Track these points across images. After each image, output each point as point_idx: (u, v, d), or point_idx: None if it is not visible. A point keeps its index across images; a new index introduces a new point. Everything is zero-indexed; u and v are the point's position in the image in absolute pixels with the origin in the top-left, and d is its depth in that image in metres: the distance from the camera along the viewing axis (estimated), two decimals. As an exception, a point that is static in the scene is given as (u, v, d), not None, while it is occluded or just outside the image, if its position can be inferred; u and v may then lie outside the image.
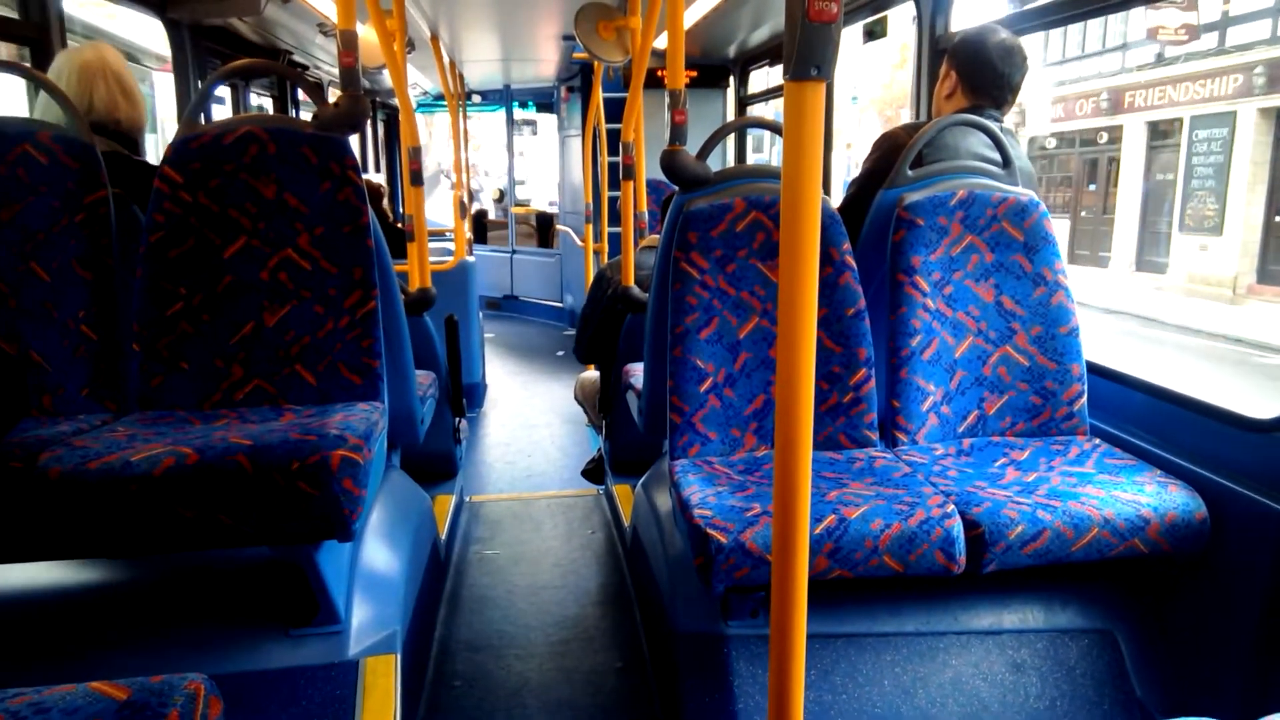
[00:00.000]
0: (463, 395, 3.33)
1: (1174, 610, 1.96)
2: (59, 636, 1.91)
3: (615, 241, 6.09)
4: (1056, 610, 2.00)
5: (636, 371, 2.90)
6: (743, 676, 1.88)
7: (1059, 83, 19.90)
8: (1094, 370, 2.27)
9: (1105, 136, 18.83)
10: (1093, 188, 19.69)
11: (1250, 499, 1.76)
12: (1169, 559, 1.86)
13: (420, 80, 8.39)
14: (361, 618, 1.99)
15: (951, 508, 1.78)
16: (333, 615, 1.92)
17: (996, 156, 2.34)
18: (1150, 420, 2.12)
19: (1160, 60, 16.69)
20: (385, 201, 7.09)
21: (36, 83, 2.22)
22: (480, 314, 5.61)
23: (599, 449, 3.88)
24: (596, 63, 4.87)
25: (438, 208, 11.27)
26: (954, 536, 1.75)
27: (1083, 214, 19.84)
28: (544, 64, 7.28)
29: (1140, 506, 1.79)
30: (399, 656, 1.96)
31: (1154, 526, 1.78)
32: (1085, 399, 2.20)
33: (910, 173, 2.28)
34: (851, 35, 3.94)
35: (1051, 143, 20.90)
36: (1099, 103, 18.51)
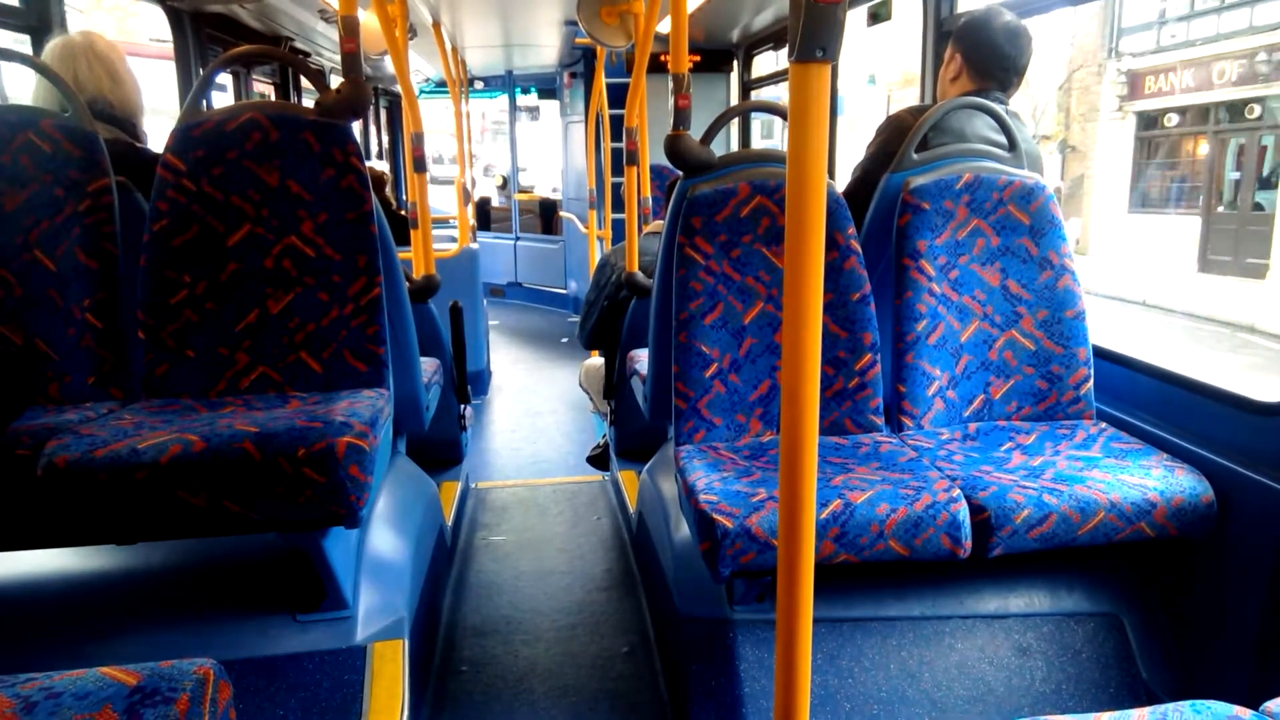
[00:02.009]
0: (467, 382, 3.33)
1: (1180, 593, 1.96)
2: (69, 623, 1.92)
3: (619, 227, 6.08)
4: (1062, 594, 2.00)
5: (641, 358, 2.90)
6: (749, 661, 1.88)
7: (1188, 43, 16.04)
8: (1100, 354, 2.26)
9: (1258, 110, 14.59)
10: (1236, 176, 15.47)
11: (1257, 482, 1.76)
12: (1176, 542, 1.85)
13: (422, 67, 8.35)
14: (369, 603, 2.00)
15: (957, 492, 1.78)
16: (340, 601, 1.93)
17: (1002, 139, 2.33)
18: (1157, 404, 2.11)
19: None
20: (389, 189, 7.08)
21: (36, 69, 2.22)
22: (484, 301, 5.61)
23: (604, 435, 3.88)
24: (599, 48, 4.84)
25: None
26: (960, 521, 1.75)
27: (1219, 209, 15.72)
28: (546, 49, 7.25)
29: (1147, 490, 1.79)
30: (406, 641, 1.97)
31: (1160, 510, 1.78)
32: (1091, 383, 2.19)
33: (915, 156, 2.26)
34: (856, 18, 3.91)
35: (1173, 120, 16.84)
36: (1253, 66, 14.14)
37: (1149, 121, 17.69)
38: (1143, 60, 17.40)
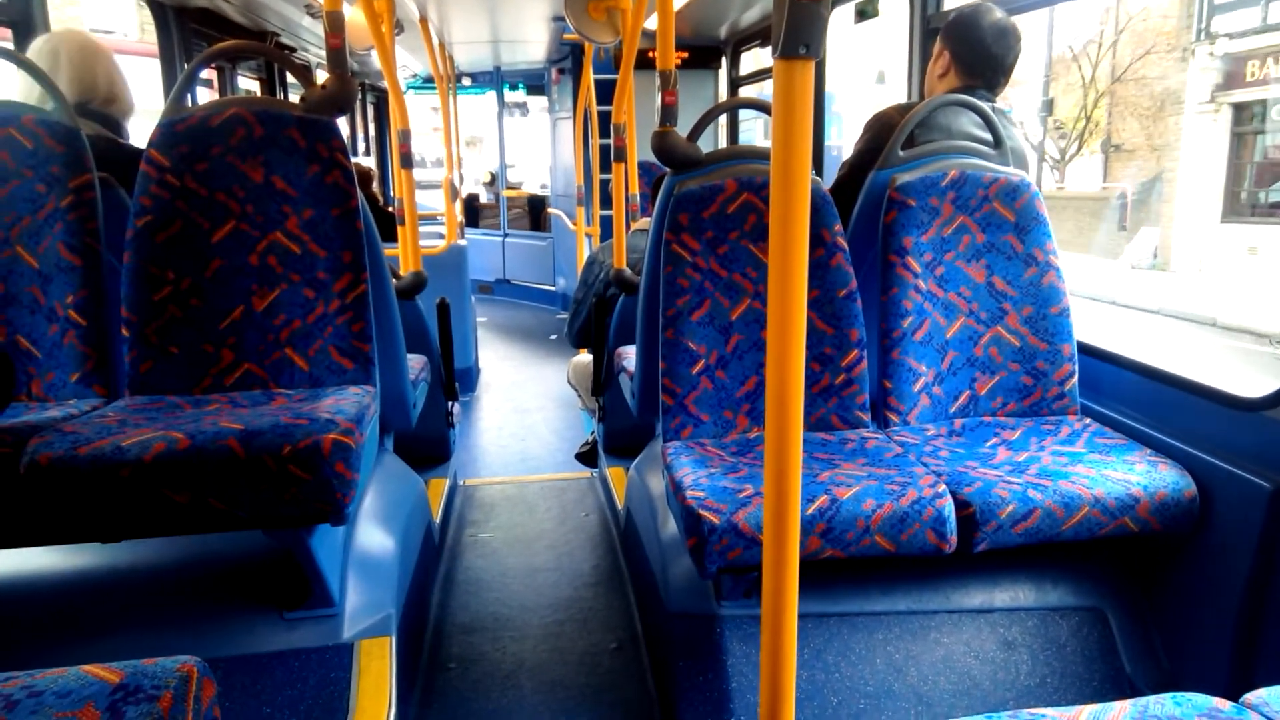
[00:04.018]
0: (455, 379, 3.33)
1: (1163, 587, 1.98)
2: (52, 621, 1.91)
3: (607, 224, 6.07)
4: (1047, 588, 2.01)
5: (629, 354, 2.90)
6: (735, 656, 1.89)
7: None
8: (1085, 350, 2.28)
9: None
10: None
11: (1239, 477, 1.77)
12: (1159, 537, 1.87)
13: (409, 63, 8.32)
14: (356, 601, 1.99)
15: (943, 488, 1.79)
16: (327, 598, 1.93)
17: (988, 136, 2.34)
18: (1141, 400, 2.13)
19: None
20: (375, 185, 7.05)
21: (18, 64, 2.20)
22: (473, 298, 5.60)
23: (592, 432, 3.88)
24: (587, 44, 4.83)
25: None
26: (945, 516, 1.76)
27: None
28: (534, 45, 7.23)
29: (1130, 485, 1.80)
30: (394, 639, 1.96)
31: (1144, 505, 1.80)
32: (1076, 379, 2.20)
33: (902, 153, 2.27)
34: (846, 15, 3.91)
35: (1276, 114, 14.08)
36: None
37: (1252, 114, 14.89)
38: (1244, 42, 14.51)
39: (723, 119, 6.22)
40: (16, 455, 1.65)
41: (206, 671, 1.12)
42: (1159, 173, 17.18)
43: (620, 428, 3.48)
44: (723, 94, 6.65)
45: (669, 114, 2.40)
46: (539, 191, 9.91)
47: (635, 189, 4.50)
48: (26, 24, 2.72)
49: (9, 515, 1.77)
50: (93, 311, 2.07)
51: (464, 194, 8.92)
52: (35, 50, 2.35)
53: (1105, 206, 18.46)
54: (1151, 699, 1.06)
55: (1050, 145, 19.79)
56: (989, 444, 2.06)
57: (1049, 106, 17.37)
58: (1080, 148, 20.10)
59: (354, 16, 3.75)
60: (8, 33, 2.77)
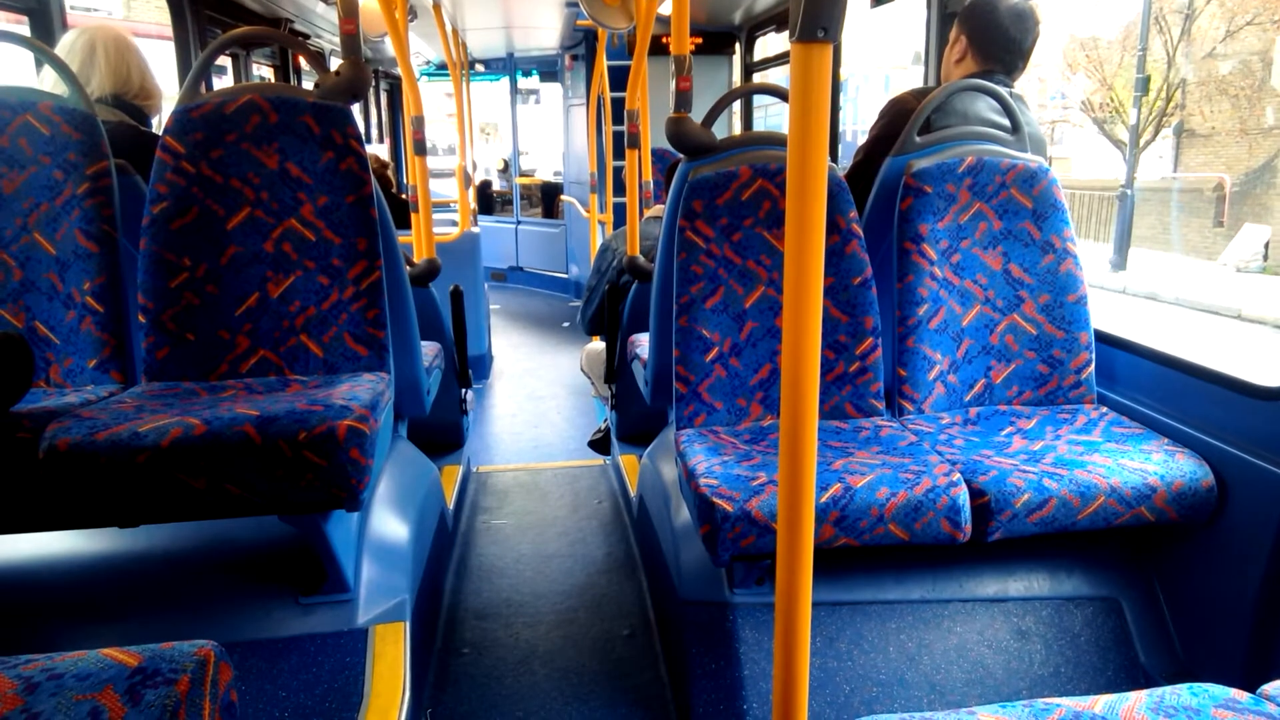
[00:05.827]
0: (469, 366, 3.33)
1: (1179, 577, 1.96)
2: (70, 605, 1.93)
3: (620, 211, 6.06)
4: (1062, 578, 2.00)
5: (642, 342, 2.90)
6: (748, 644, 1.89)
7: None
8: (1102, 339, 2.26)
9: None
10: None
11: (1258, 467, 1.75)
12: (1175, 527, 1.86)
13: (423, 49, 8.31)
14: (370, 586, 2.01)
15: (957, 476, 1.78)
16: (342, 583, 1.94)
17: (1006, 122, 2.31)
18: (1158, 389, 2.11)
19: None
20: (389, 172, 7.06)
21: (35, 51, 2.21)
22: (486, 285, 5.61)
23: (605, 419, 3.88)
24: (600, 30, 4.80)
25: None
26: (960, 505, 1.75)
27: None
28: (547, 31, 7.20)
29: (1147, 475, 1.79)
30: (408, 624, 1.98)
31: (1161, 494, 1.78)
32: (1093, 367, 2.19)
33: (918, 139, 2.25)
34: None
35: None
36: None
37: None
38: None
39: (736, 105, 6.18)
40: (35, 441, 1.67)
41: (223, 655, 1.13)
42: (1270, 160, 15.37)
43: (633, 415, 3.48)
44: (737, 80, 6.61)
45: (683, 100, 2.39)
46: (552, 179, 9.90)
47: (649, 176, 4.49)
48: (43, 13, 2.73)
49: (28, 500, 1.79)
50: (110, 298, 2.08)
51: (477, 181, 8.91)
52: (70, 44, 2.39)
53: (1192, 198, 16.25)
54: (1168, 689, 1.05)
55: (1121, 130, 17.58)
56: (1004, 433, 2.05)
57: (1144, 85, 14.91)
58: (1157, 132, 17.92)
59: (368, 3, 3.75)
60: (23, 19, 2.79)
